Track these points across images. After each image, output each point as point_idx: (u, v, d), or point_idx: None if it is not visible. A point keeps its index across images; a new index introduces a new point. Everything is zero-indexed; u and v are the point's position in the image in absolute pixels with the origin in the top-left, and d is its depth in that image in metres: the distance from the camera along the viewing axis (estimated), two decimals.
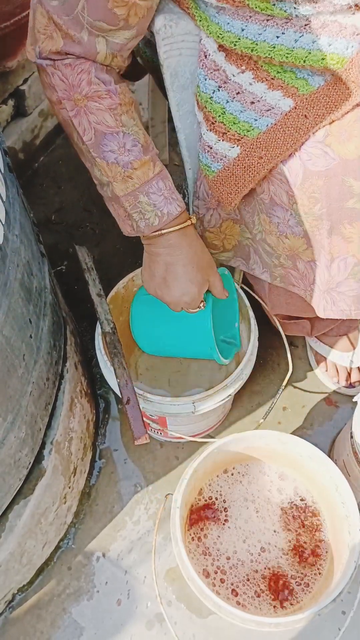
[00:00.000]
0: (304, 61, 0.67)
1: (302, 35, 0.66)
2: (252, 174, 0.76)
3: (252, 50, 0.67)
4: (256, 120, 0.73)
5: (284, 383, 0.92)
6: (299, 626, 0.73)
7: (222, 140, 0.75)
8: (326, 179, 0.71)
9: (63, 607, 0.96)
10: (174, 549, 0.78)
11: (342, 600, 0.90)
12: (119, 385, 0.84)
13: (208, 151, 0.77)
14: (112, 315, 0.91)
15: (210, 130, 0.75)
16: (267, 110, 0.72)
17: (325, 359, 1.17)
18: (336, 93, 0.69)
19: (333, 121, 0.71)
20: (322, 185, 0.72)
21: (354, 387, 1.15)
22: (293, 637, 0.91)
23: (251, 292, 1.01)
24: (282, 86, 0.70)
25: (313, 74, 0.69)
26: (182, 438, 0.97)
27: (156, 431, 1.03)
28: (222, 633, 0.93)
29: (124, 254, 1.36)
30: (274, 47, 0.66)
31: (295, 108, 0.71)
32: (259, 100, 0.72)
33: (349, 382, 1.15)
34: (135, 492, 1.06)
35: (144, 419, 0.93)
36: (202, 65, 0.72)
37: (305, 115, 0.71)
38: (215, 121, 0.74)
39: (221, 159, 0.77)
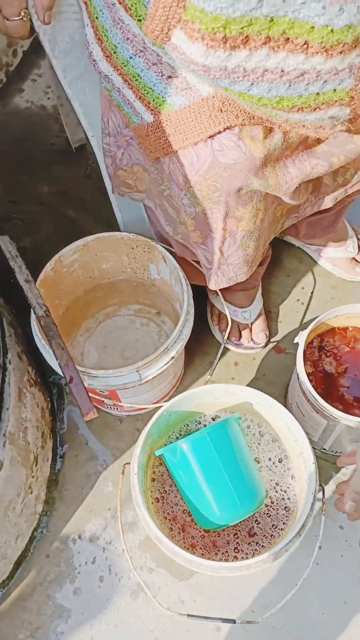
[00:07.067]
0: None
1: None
2: (161, 146, 0.73)
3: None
4: (170, 96, 0.68)
5: (224, 339, 0.93)
6: (267, 565, 0.74)
7: (138, 100, 0.72)
8: (232, 172, 0.70)
9: (47, 595, 0.96)
10: (137, 513, 0.78)
11: (316, 537, 0.93)
12: (60, 366, 0.83)
13: (129, 103, 0.73)
14: (43, 299, 0.90)
15: (128, 88, 0.72)
16: (183, 90, 0.68)
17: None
18: None
19: (252, 117, 0.67)
20: (227, 177, 0.70)
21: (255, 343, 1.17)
22: (273, 577, 0.94)
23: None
24: None
25: None
26: (141, 409, 0.97)
27: (112, 407, 1.03)
28: (206, 590, 0.94)
29: (56, 239, 1.34)
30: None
31: (214, 97, 0.66)
32: (177, 76, 0.67)
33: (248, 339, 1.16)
34: (103, 471, 1.06)
35: (94, 395, 0.93)
36: (119, 28, 0.67)
37: (221, 109, 0.66)
38: (132, 83, 0.71)
39: (138, 115, 0.73)
